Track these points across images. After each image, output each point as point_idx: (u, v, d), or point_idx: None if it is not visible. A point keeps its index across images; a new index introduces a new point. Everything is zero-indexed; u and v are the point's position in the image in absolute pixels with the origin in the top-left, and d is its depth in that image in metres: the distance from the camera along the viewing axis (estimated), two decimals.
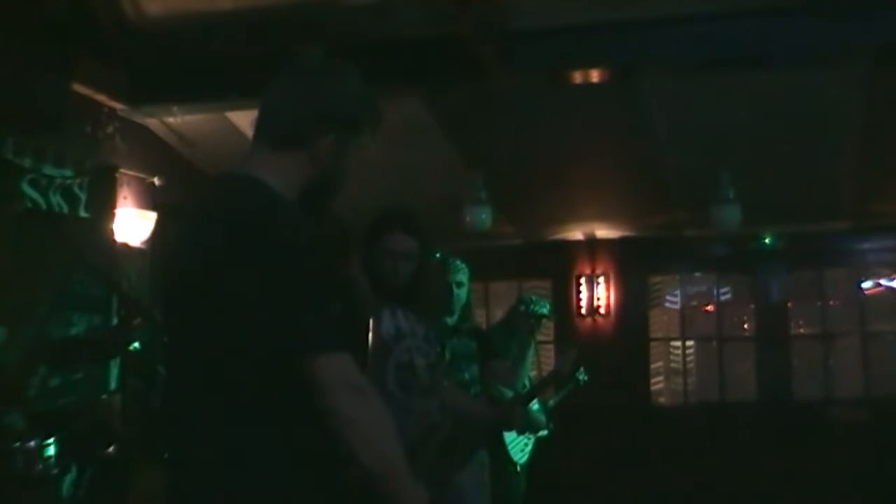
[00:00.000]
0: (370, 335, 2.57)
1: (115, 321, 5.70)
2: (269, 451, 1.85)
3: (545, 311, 5.56)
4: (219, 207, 1.94)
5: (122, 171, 6.33)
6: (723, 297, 9.46)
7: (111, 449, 4.67)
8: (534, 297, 5.89)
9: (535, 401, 5.31)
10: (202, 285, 1.88)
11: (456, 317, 4.55)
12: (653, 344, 9.35)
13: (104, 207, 6.09)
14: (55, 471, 4.28)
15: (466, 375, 4.47)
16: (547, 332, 6.79)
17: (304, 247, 1.86)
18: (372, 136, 2.09)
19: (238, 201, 1.91)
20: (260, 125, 2.04)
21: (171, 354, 2.02)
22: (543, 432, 5.59)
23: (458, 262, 4.61)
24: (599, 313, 9.11)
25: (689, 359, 9.43)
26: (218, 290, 1.85)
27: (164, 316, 2.05)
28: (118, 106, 6.29)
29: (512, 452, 5.38)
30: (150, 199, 6.55)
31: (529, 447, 5.51)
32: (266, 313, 1.81)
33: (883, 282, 9.01)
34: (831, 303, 9.18)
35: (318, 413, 1.81)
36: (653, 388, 9.32)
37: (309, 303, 1.83)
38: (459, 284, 4.56)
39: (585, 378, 5.69)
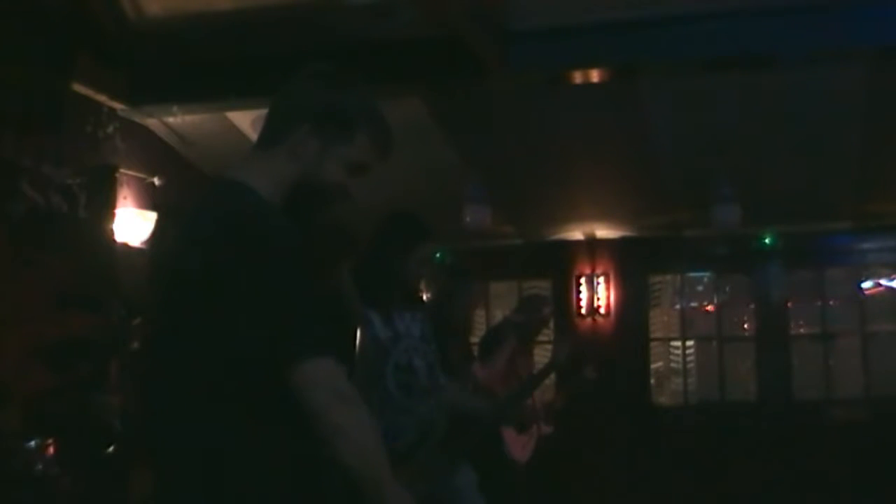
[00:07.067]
0: (362, 340, 2.56)
1: (115, 321, 5.70)
2: (253, 454, 1.85)
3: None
4: (204, 212, 1.96)
5: (122, 171, 6.32)
6: (723, 297, 9.45)
7: (111, 449, 4.68)
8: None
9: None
10: (189, 289, 1.89)
11: None
12: (653, 344, 9.32)
13: (104, 207, 6.09)
14: (55, 471, 4.28)
15: None
16: (546, 331, 6.76)
17: (286, 252, 1.86)
18: (374, 150, 2.04)
19: (222, 206, 1.93)
20: (259, 132, 2.07)
21: (158, 356, 2.02)
22: (547, 431, 5.56)
23: None
24: (599, 313, 9.09)
25: (689, 359, 9.40)
26: (204, 295, 1.86)
27: (153, 318, 2.05)
28: (118, 106, 6.29)
29: (513, 451, 5.37)
30: (150, 199, 6.54)
31: (531, 446, 5.49)
32: (250, 319, 1.81)
33: (883, 282, 8.99)
34: (831, 303, 9.16)
35: (302, 418, 1.81)
36: (653, 388, 9.32)
37: (292, 308, 1.83)
38: None
39: (594, 375, 5.66)
